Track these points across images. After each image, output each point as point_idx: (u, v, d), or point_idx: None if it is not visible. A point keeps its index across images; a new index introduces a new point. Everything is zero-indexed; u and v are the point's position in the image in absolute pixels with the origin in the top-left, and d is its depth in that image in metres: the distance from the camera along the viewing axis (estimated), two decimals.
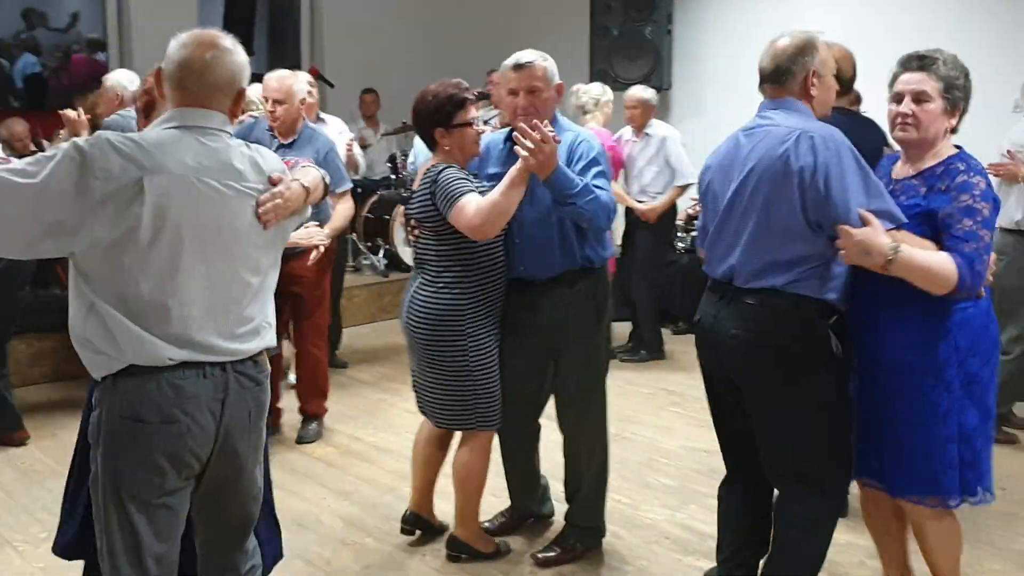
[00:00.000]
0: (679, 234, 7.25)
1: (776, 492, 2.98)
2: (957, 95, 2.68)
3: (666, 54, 7.69)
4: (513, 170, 3.11)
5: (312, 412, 5.01)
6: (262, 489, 2.47)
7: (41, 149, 6.55)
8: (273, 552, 2.77)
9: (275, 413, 4.87)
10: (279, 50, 9.87)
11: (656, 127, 6.32)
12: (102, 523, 2.20)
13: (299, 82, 4.69)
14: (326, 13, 9.14)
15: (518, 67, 3.32)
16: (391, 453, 4.75)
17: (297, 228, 2.58)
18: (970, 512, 4.02)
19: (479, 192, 3.22)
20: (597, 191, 3.18)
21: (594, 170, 3.26)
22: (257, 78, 10.15)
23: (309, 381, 5.00)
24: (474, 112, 3.37)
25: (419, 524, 3.75)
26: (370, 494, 4.24)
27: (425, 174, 3.34)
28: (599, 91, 6.14)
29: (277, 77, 4.73)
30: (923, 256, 2.55)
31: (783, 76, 2.76)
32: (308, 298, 4.76)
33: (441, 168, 3.27)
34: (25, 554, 3.66)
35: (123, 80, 5.40)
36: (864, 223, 2.53)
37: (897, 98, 2.73)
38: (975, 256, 2.54)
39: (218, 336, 2.20)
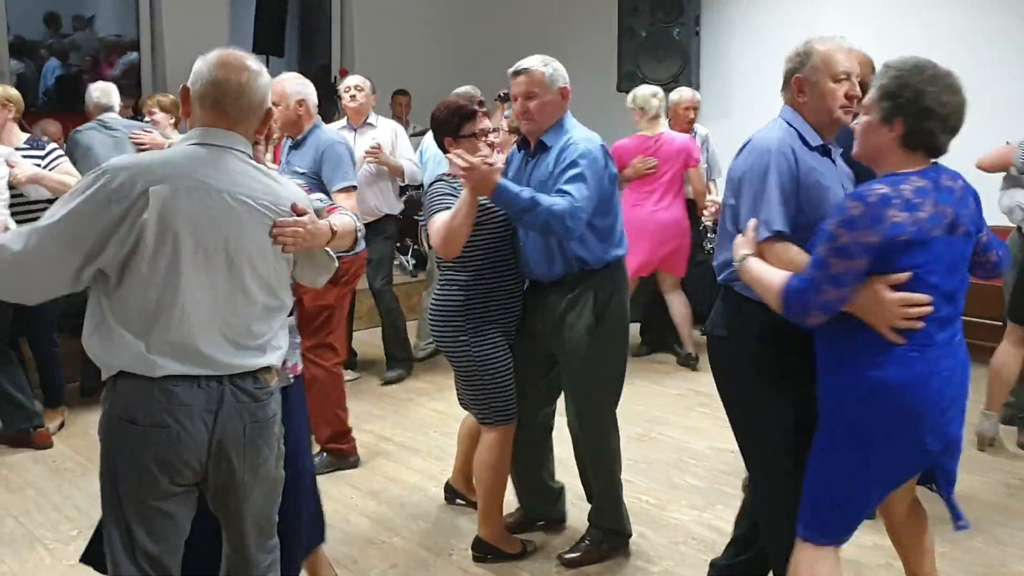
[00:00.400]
0: (709, 235, 7.22)
1: None
2: (887, 105, 2.40)
3: (694, 55, 7.67)
4: (464, 192, 3.21)
5: (317, 440, 4.50)
6: (273, 499, 2.47)
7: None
8: (312, 536, 3.02)
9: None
10: (309, 51, 9.94)
11: (698, 127, 6.47)
12: (104, 515, 2.28)
13: (294, 84, 4.45)
14: (356, 14, 9.20)
15: (516, 73, 3.41)
16: (419, 452, 4.78)
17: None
18: (998, 514, 4.02)
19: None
20: (550, 202, 3.17)
21: (569, 173, 3.27)
22: None
23: (314, 406, 4.04)
24: (486, 123, 3.44)
25: (456, 495, 4.11)
26: (398, 494, 4.27)
27: (430, 184, 3.50)
28: (661, 93, 6.20)
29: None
30: (760, 269, 2.54)
31: (783, 83, 2.79)
32: (308, 309, 4.31)
33: (434, 181, 3.46)
34: (55, 552, 3.71)
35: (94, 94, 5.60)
36: (747, 230, 2.64)
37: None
38: (806, 282, 2.39)
39: (217, 348, 2.23)
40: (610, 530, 3.66)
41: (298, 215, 2.34)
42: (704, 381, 5.91)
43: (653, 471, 4.51)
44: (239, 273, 2.25)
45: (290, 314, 2.55)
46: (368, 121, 5.90)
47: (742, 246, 2.62)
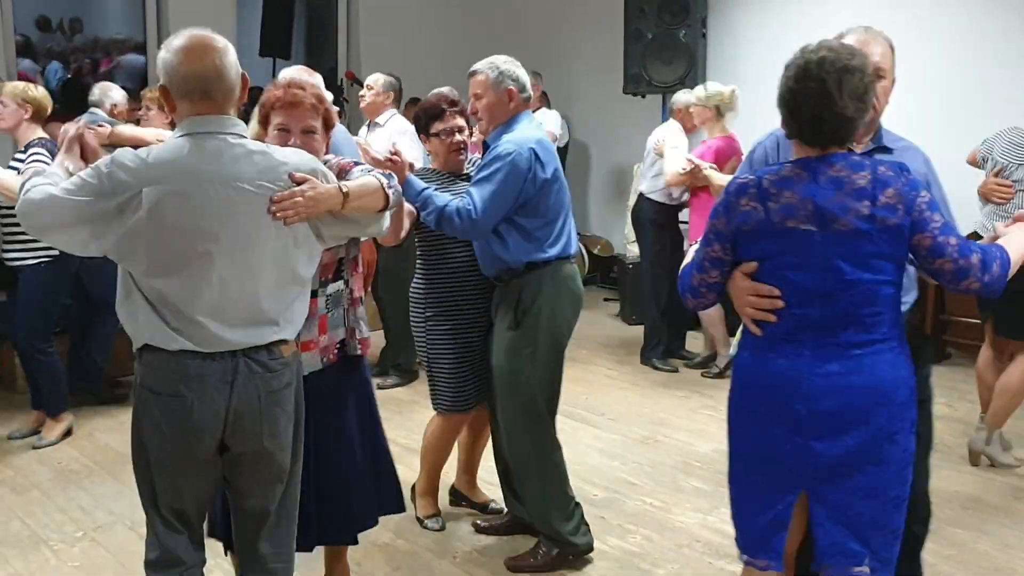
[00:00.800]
0: None
1: None
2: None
3: (700, 57, 7.65)
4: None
5: None
6: (289, 483, 2.53)
7: None
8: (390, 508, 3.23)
9: None
10: (316, 53, 9.95)
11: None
12: (136, 476, 2.45)
13: (309, 78, 4.52)
14: (363, 16, 9.21)
15: (469, 75, 3.53)
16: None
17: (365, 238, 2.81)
18: (1004, 516, 4.00)
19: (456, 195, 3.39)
20: (443, 202, 3.30)
21: (479, 175, 3.36)
22: None
23: None
24: (455, 122, 3.60)
25: (460, 498, 4.15)
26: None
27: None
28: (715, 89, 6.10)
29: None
30: None
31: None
32: None
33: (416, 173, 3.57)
34: (60, 553, 3.71)
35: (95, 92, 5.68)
36: None
37: None
38: (686, 267, 2.53)
39: (227, 329, 2.31)
40: (553, 539, 3.59)
41: (297, 183, 2.34)
42: (710, 382, 5.90)
43: (658, 474, 4.51)
44: (244, 256, 2.29)
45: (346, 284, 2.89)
46: (376, 121, 5.90)
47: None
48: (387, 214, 2.62)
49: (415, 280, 3.72)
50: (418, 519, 3.93)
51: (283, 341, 2.41)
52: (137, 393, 2.38)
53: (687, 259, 2.55)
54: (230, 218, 2.26)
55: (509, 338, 3.44)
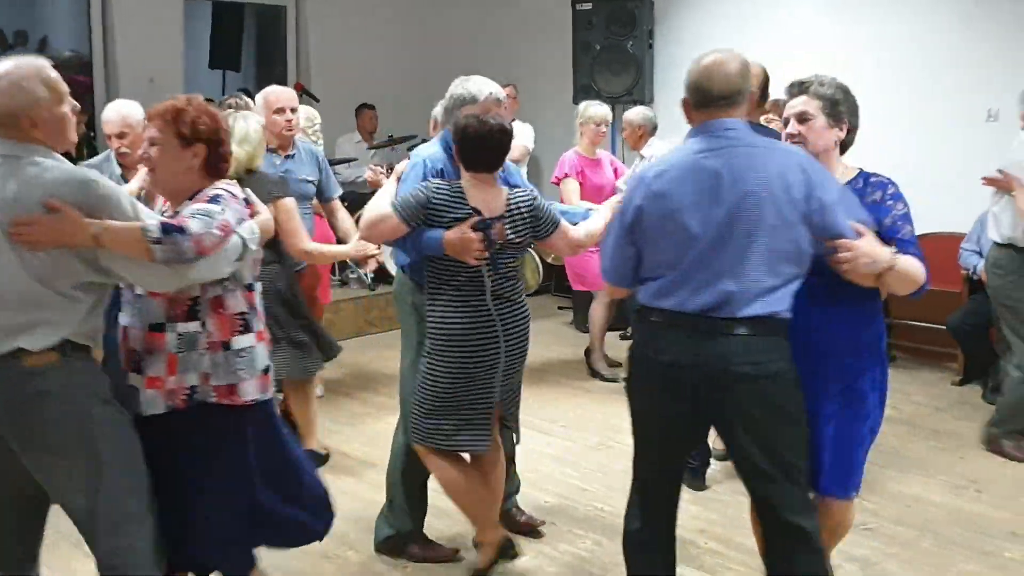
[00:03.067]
0: None
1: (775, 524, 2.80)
2: (840, 110, 2.80)
3: (648, 68, 7.76)
4: (608, 206, 3.64)
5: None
6: (99, 489, 2.57)
7: None
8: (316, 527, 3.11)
9: None
10: (266, 66, 9.92)
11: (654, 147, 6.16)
12: None
13: (293, 98, 4.68)
14: (312, 29, 9.20)
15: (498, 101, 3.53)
16: (376, 467, 4.75)
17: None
18: (946, 514, 4.10)
19: None
20: None
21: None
22: (246, 93, 10.19)
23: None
24: None
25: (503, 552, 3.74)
26: (354, 508, 4.24)
27: (513, 197, 3.37)
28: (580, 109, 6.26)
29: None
30: (909, 261, 2.68)
31: (741, 96, 2.72)
32: None
33: (535, 193, 3.47)
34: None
35: None
36: (860, 234, 2.60)
37: (786, 122, 2.86)
38: (922, 257, 2.73)
39: None
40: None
41: (49, 209, 2.39)
42: None
43: (611, 479, 4.54)
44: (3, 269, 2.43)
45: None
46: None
47: (880, 246, 2.63)
48: (171, 269, 2.51)
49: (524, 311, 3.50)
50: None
51: (22, 351, 2.44)
52: None
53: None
54: None
55: (406, 335, 3.75)
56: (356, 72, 9.03)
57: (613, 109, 7.10)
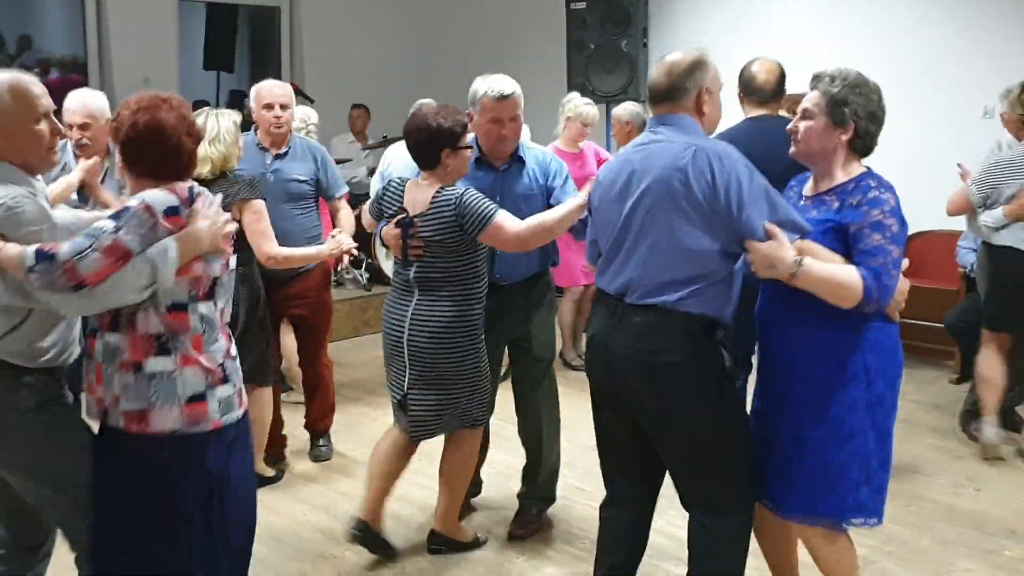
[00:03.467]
0: None
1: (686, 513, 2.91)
2: (843, 111, 2.63)
3: (642, 67, 7.74)
4: (580, 196, 3.24)
5: (324, 428, 4.96)
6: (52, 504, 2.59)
7: None
8: None
9: (280, 441, 4.78)
10: (260, 66, 9.91)
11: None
12: None
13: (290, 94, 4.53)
14: (306, 29, 9.19)
15: (502, 98, 3.55)
16: None
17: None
18: (944, 513, 4.09)
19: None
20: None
21: (569, 185, 3.70)
22: (239, 95, 10.17)
23: (321, 400, 4.92)
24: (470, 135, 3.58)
25: (367, 535, 3.70)
26: (350, 508, 4.22)
27: (438, 196, 3.43)
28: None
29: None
30: (827, 268, 2.55)
31: (678, 92, 2.72)
32: (313, 317, 4.68)
33: (462, 191, 3.42)
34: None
35: None
36: (769, 236, 2.54)
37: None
38: (882, 270, 2.54)
39: None
40: (544, 497, 4.08)
41: None
42: None
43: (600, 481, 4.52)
44: None
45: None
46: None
47: (784, 250, 2.52)
48: (64, 297, 2.29)
49: (451, 308, 3.46)
50: (465, 544, 3.82)
51: None
52: None
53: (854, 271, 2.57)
54: None
55: (551, 321, 3.97)
56: (350, 72, 9.01)
57: (608, 108, 7.11)
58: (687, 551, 2.90)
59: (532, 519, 4.00)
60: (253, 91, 4.54)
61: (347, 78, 8.92)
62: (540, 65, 8.44)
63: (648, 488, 3.01)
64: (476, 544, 3.84)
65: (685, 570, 3.48)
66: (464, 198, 3.38)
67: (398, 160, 5.58)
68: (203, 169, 3.82)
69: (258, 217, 3.93)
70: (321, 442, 4.94)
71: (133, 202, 2.39)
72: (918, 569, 3.65)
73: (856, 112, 2.63)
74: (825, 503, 2.69)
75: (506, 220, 3.36)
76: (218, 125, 3.94)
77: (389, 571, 3.67)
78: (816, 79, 2.71)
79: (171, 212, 2.41)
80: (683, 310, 2.63)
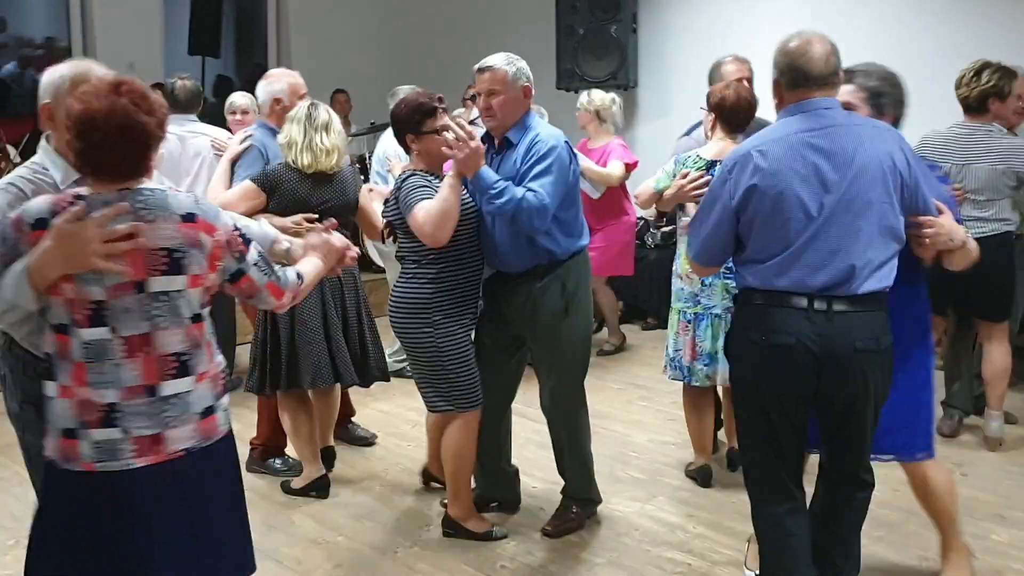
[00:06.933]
0: (650, 230, 7.32)
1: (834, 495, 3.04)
2: (883, 102, 2.94)
3: (631, 53, 7.75)
4: (448, 174, 3.33)
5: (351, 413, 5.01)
6: None
7: (6, 155, 6.50)
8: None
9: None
10: (246, 51, 9.86)
11: None
12: None
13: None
14: (292, 13, 9.14)
15: (479, 71, 3.51)
16: (363, 452, 4.77)
17: None
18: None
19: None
20: (522, 194, 3.32)
21: (537, 168, 3.39)
22: (225, 80, 10.10)
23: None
24: (445, 120, 3.47)
25: (430, 477, 4.24)
26: (342, 493, 4.25)
27: (396, 180, 3.54)
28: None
29: None
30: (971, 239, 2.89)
31: (836, 77, 2.77)
32: None
33: (406, 176, 3.47)
34: None
35: None
36: (939, 212, 2.79)
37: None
38: None
39: None
40: (584, 499, 3.90)
41: None
42: (644, 375, 5.97)
43: (597, 464, 4.48)
44: None
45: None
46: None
47: (955, 223, 2.81)
48: None
49: (412, 290, 3.53)
50: (476, 534, 3.78)
51: None
52: None
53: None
54: None
55: (561, 322, 3.58)
56: (337, 58, 8.97)
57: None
58: (832, 525, 3.02)
59: (567, 518, 3.86)
60: (284, 83, 4.43)
61: (333, 64, 8.88)
62: (528, 50, 8.41)
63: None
64: (489, 536, 3.77)
65: (674, 554, 3.56)
66: (402, 185, 3.44)
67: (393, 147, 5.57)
68: (330, 161, 3.95)
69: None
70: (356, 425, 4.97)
71: (12, 215, 2.19)
72: (906, 553, 3.68)
73: (892, 102, 2.95)
74: (925, 440, 3.19)
75: (419, 211, 3.33)
76: (335, 119, 4.04)
77: (382, 557, 3.67)
78: (847, 74, 2.88)
79: (38, 226, 2.12)
80: (886, 291, 2.75)
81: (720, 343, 3.96)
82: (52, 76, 2.46)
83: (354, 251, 2.77)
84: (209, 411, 2.29)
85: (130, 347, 2.16)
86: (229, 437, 2.39)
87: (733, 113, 3.95)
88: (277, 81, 4.44)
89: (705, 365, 4.11)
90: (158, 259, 2.14)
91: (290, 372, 4.05)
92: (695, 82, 4.44)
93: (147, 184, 2.20)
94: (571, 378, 3.72)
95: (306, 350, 4.02)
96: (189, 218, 2.19)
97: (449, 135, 3.31)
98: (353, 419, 4.96)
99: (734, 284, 3.62)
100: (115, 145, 2.11)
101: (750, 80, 4.33)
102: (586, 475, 3.90)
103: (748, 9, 7.37)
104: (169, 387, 2.20)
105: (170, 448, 2.20)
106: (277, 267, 2.45)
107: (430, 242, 3.35)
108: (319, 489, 4.20)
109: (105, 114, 2.09)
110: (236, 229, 2.32)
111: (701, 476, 4.28)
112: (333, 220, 2.83)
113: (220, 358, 2.37)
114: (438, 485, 4.18)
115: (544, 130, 3.49)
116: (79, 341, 2.16)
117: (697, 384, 4.17)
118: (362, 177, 7.27)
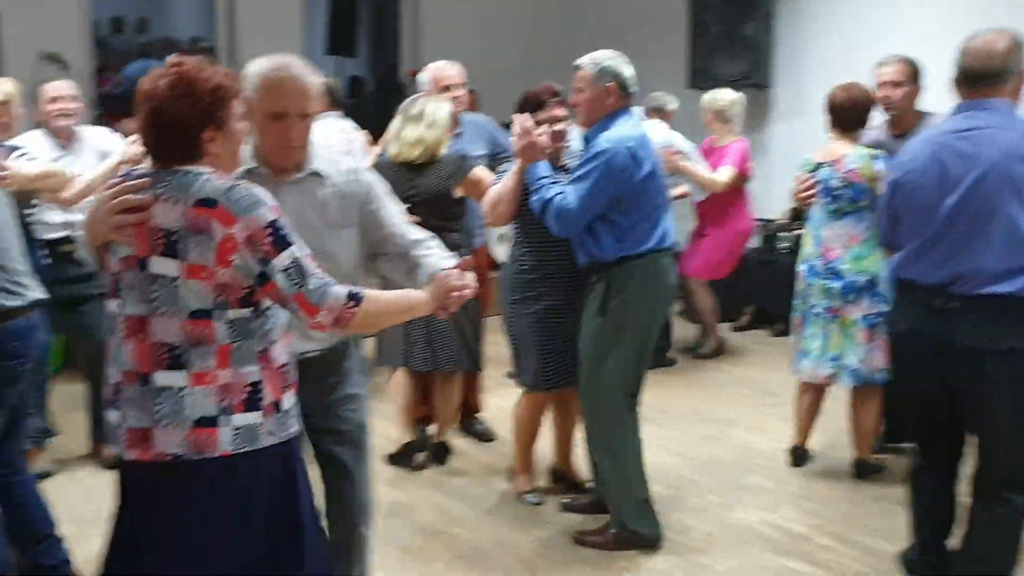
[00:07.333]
0: (780, 233, 7.14)
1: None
2: None
3: (767, 51, 7.58)
4: (515, 164, 3.63)
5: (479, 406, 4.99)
6: None
7: None
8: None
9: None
10: (382, 51, 10.06)
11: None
12: None
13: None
14: (426, 14, 9.27)
15: (574, 68, 3.59)
16: (484, 446, 4.79)
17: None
18: None
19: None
20: (551, 195, 3.45)
21: (577, 172, 3.47)
22: (359, 81, 10.27)
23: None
24: (555, 112, 3.67)
25: (557, 476, 4.28)
26: (463, 485, 4.29)
27: None
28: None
29: None
30: None
31: (998, 77, 2.72)
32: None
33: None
34: None
35: None
36: None
37: None
38: None
39: None
40: (618, 523, 3.66)
41: None
42: (773, 381, 5.81)
43: (721, 471, 4.47)
44: None
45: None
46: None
47: None
48: None
49: (515, 268, 3.83)
50: (517, 495, 4.10)
51: None
52: None
53: None
54: None
55: (595, 325, 3.54)
56: (469, 56, 9.04)
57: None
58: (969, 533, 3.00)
59: (600, 531, 3.71)
60: (428, 73, 4.62)
61: (466, 64, 8.95)
62: (660, 49, 8.34)
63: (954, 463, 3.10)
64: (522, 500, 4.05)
65: (798, 564, 3.47)
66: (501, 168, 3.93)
67: None
68: (414, 152, 4.06)
69: (478, 183, 4.10)
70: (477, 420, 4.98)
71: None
72: (897, 542, 3.46)
73: None
74: None
75: (489, 193, 3.81)
76: (436, 111, 4.13)
77: (500, 549, 3.69)
78: None
79: None
80: (1013, 295, 2.69)
81: (825, 341, 4.18)
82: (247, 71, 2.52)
83: (469, 289, 2.45)
84: (207, 422, 2.10)
85: (129, 328, 2.13)
86: (239, 462, 2.14)
87: (843, 112, 4.06)
88: (425, 73, 4.73)
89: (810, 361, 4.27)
90: (157, 238, 2.08)
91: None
92: (835, 81, 4.31)
93: (197, 168, 2.14)
94: (594, 390, 3.58)
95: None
96: (207, 203, 2.06)
97: (518, 125, 3.50)
98: (477, 415, 4.98)
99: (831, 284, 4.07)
100: (149, 129, 2.14)
101: (902, 84, 4.12)
102: (616, 499, 3.68)
103: (890, 9, 7.10)
104: (161, 378, 2.09)
105: (158, 448, 2.09)
106: (323, 281, 2.15)
107: (489, 221, 3.82)
108: (406, 455, 4.47)
109: (143, 98, 2.13)
110: (269, 228, 2.09)
111: (794, 456, 4.49)
112: (468, 258, 2.88)
113: (245, 370, 2.13)
114: (561, 486, 4.21)
115: (613, 132, 3.44)
116: (108, 312, 2.21)
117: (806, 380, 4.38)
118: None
